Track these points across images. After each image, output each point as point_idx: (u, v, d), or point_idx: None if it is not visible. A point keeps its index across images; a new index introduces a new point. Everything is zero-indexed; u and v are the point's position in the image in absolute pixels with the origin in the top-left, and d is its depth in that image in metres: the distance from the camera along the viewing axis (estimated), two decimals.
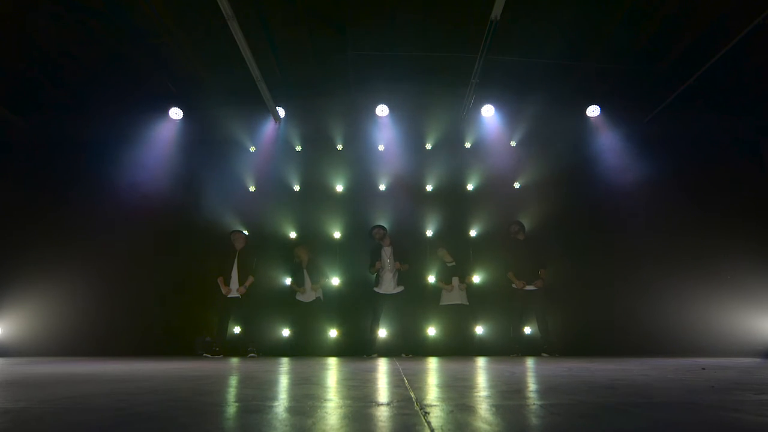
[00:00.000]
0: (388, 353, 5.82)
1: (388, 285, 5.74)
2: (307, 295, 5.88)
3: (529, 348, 5.75)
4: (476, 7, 5.27)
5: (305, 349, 5.88)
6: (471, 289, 6.01)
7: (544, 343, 5.59)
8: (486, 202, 6.72)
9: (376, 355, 5.54)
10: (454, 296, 5.82)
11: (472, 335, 5.91)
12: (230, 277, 5.82)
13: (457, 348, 5.86)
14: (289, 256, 6.26)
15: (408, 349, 5.71)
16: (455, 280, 5.86)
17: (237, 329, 6.06)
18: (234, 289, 5.77)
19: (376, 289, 5.79)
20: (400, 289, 5.76)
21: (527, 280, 5.71)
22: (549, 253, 5.98)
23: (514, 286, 5.76)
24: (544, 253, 5.90)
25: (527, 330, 6.02)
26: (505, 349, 5.81)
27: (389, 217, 6.50)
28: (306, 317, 5.92)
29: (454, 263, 5.96)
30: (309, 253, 6.01)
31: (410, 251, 6.09)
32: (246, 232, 6.19)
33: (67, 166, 6.85)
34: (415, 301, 6.10)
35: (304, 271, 5.94)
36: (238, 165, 6.90)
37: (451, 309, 5.83)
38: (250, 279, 5.83)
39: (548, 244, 6.15)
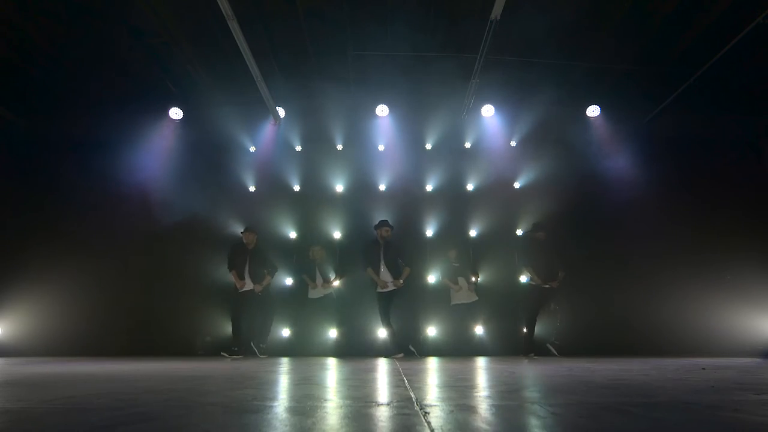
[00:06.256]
0: (387, 353, 5.81)
1: (384, 284, 5.69)
2: (317, 291, 5.96)
3: (538, 347, 5.72)
4: (476, 7, 5.27)
5: (307, 349, 5.90)
6: (476, 287, 6.09)
7: (554, 337, 5.71)
8: (486, 202, 6.71)
9: (402, 354, 5.49)
10: (463, 295, 5.92)
11: (476, 334, 5.99)
12: (242, 274, 5.79)
13: (464, 347, 5.86)
14: (288, 255, 6.31)
15: (414, 345, 5.74)
16: (462, 280, 5.95)
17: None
18: (249, 286, 5.76)
19: (378, 290, 5.74)
20: (394, 287, 5.68)
21: (545, 279, 5.74)
22: (565, 255, 5.93)
23: (532, 282, 5.78)
24: (562, 255, 5.89)
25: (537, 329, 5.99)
26: (518, 348, 5.81)
27: (389, 217, 6.48)
28: (312, 314, 5.99)
29: (458, 264, 6.02)
30: (324, 253, 6.12)
31: (405, 251, 5.92)
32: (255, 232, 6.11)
33: (66, 167, 6.82)
34: (418, 300, 6.10)
35: (317, 268, 6.03)
36: (238, 165, 6.89)
37: (462, 307, 5.92)
38: (267, 278, 5.85)
39: (565, 246, 6.07)
